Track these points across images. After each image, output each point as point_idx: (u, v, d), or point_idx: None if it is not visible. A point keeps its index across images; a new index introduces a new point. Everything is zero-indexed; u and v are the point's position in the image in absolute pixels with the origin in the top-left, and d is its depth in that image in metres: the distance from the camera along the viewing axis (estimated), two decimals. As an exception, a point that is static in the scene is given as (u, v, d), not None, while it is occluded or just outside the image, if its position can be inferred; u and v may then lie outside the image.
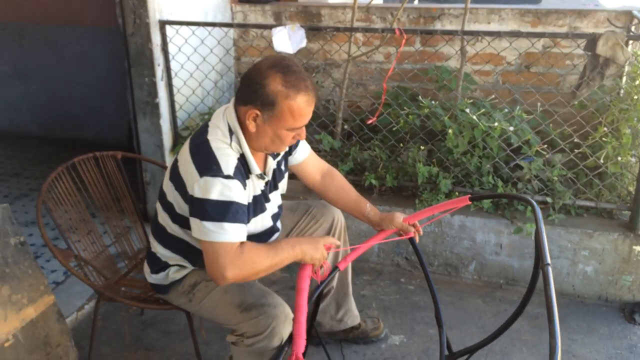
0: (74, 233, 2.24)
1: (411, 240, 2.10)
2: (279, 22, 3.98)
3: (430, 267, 3.09)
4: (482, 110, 2.97)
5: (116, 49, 4.54)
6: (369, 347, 2.55)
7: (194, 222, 1.71)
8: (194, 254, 1.94)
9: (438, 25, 3.70)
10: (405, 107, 3.17)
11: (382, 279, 3.09)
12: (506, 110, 3.14)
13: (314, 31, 3.60)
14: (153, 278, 2.03)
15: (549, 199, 2.88)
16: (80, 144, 4.85)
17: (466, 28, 3.27)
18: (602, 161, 2.85)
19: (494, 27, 3.60)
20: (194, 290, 1.95)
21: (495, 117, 2.97)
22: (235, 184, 1.72)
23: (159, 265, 2.00)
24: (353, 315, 2.51)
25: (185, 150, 1.81)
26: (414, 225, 2.11)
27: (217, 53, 3.59)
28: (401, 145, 3.15)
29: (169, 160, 3.39)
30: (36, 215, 2.00)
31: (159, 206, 1.98)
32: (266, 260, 1.73)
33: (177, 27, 3.21)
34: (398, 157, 3.14)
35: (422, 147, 3.02)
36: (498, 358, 2.51)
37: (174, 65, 3.29)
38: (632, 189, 2.85)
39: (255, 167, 1.83)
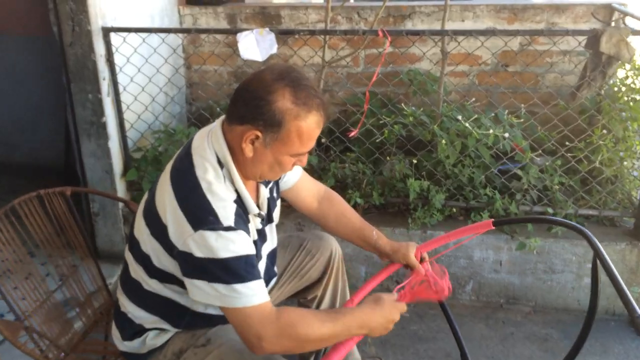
0: (20, 293, 1.81)
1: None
2: (233, 26, 3.61)
3: (423, 290, 2.80)
4: (474, 116, 2.71)
5: (51, 61, 4.03)
6: (373, 393, 2.25)
7: (197, 284, 1.36)
8: (176, 313, 1.57)
9: (409, 25, 3.44)
10: (384, 116, 2.88)
11: (372, 307, 2.78)
12: (492, 114, 2.91)
13: (285, 35, 3.25)
14: (125, 346, 1.63)
15: (549, 209, 2.66)
16: (10, 168, 4.28)
17: (439, 27, 3.02)
18: (600, 166, 2.66)
19: (468, 24, 3.38)
20: (179, 359, 1.58)
21: (487, 123, 2.73)
22: (239, 234, 1.38)
23: (132, 330, 1.61)
24: (354, 359, 2.19)
25: (166, 191, 1.43)
26: (422, 259, 1.82)
27: (168, 62, 3.17)
28: (388, 158, 2.84)
29: (120, 188, 2.95)
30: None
31: (129, 257, 1.60)
32: (315, 325, 1.37)
33: (123, 34, 2.79)
34: (382, 171, 2.84)
35: (414, 160, 2.73)
36: (515, 391, 2.26)
37: (121, 78, 2.87)
38: (635, 194, 2.67)
39: (253, 206, 1.49)
